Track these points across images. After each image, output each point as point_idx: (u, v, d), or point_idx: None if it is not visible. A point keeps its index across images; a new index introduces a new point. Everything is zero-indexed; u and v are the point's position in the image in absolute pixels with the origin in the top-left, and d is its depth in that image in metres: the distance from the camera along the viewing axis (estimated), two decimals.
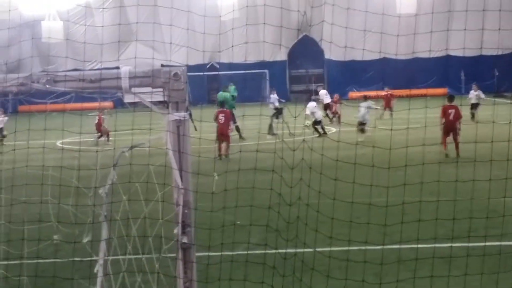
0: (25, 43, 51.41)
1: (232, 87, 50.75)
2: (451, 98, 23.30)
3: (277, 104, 35.31)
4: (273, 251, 9.97)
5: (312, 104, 30.30)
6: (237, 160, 19.48)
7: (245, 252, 10.19)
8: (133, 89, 5.46)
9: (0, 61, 45.95)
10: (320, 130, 29.43)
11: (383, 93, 39.70)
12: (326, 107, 36.82)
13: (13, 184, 9.83)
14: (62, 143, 26.33)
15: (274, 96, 36.72)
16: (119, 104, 43.72)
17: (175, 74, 5.31)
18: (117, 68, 5.68)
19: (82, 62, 42.53)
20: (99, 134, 30.94)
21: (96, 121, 31.43)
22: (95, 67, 50.54)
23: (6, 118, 32.66)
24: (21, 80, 5.35)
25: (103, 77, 5.40)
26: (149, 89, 5.57)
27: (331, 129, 30.43)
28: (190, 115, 7.77)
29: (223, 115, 25.40)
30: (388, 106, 37.48)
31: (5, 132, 31.89)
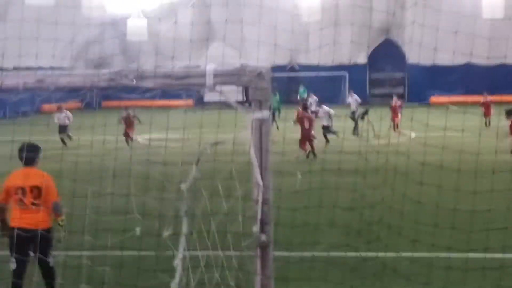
0: (109, 41, 52.59)
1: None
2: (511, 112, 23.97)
3: (313, 108, 36.00)
4: (354, 253, 9.88)
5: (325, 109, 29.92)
6: (320, 160, 19.45)
7: (325, 253, 10.12)
8: (216, 88, 5.49)
9: (88, 58, 47.16)
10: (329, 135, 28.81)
11: (481, 99, 37.99)
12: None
13: (94, 177, 10.05)
14: (150, 139, 26.80)
15: (313, 99, 37.65)
16: (198, 103, 44.21)
17: (260, 73, 5.33)
18: (198, 66, 5.73)
19: (163, 59, 43.22)
20: (128, 134, 27.66)
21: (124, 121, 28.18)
22: (177, 66, 51.20)
23: (67, 114, 29.61)
24: (111, 76, 5.46)
25: (189, 74, 5.45)
26: (228, 88, 5.59)
27: (412, 134, 29.87)
28: (273, 114, 7.78)
29: (308, 120, 25.44)
30: (488, 113, 35.36)
31: (70, 133, 28.86)
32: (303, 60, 58.10)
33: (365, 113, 30.76)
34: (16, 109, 37.02)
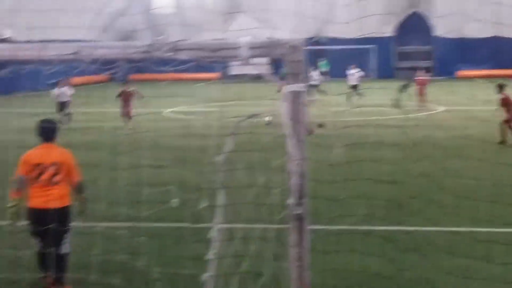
0: (135, 13, 52.55)
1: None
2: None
3: (315, 82, 35.28)
4: (394, 227, 9.80)
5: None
6: (359, 134, 19.35)
7: (365, 227, 10.05)
8: (249, 61, 5.45)
9: (115, 30, 47.15)
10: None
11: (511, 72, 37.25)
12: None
13: (131, 149, 10.05)
14: (184, 112, 26.77)
15: (315, 73, 36.72)
16: (225, 76, 44.15)
17: (294, 46, 5.30)
18: (224, 39, 5.68)
19: (191, 32, 43.16)
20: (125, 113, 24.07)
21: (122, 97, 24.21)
22: (203, 38, 51.06)
23: (68, 90, 25.73)
24: (145, 48, 5.43)
25: (224, 47, 5.40)
26: (256, 60, 5.56)
27: (439, 108, 29.54)
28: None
29: None
30: None
31: (71, 110, 25.49)
32: (330, 33, 57.63)
33: (407, 85, 30.30)
34: (45, 82, 36.89)
